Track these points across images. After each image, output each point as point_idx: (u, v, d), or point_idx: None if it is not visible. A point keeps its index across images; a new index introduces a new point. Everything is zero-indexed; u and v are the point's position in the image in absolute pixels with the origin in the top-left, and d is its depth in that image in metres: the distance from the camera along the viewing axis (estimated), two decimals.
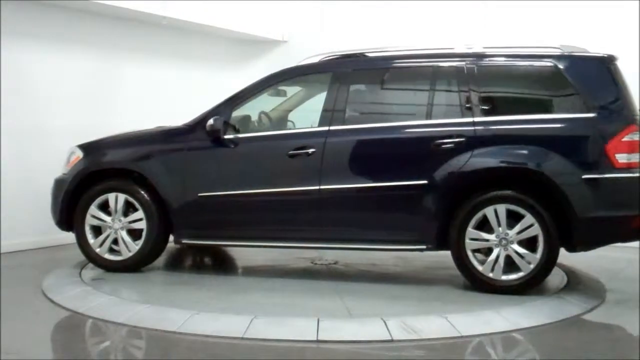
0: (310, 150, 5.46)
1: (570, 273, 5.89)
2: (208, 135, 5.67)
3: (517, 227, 5.10)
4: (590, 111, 5.10)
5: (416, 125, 5.45)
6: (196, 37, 9.23)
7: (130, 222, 5.87)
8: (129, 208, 5.91)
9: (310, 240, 5.59)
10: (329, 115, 5.56)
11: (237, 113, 5.87)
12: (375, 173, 5.43)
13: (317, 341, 4.23)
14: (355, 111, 5.71)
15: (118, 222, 5.89)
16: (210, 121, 5.64)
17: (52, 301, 5.16)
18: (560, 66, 5.23)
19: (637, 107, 5.20)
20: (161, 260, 6.52)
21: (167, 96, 8.70)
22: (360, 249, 5.75)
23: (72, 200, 6.04)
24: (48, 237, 7.50)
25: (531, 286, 5.14)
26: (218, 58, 9.63)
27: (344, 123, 5.54)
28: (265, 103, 6.26)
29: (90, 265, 6.22)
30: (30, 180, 7.39)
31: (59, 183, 6.20)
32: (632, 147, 5.00)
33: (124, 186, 5.90)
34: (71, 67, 7.79)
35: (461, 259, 5.24)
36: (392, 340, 4.23)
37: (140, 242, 5.85)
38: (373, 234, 5.49)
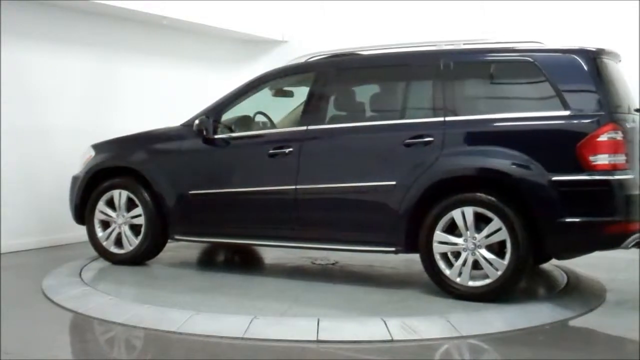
0: (287, 150, 5.51)
1: (570, 273, 5.88)
2: (196, 135, 5.88)
3: (485, 231, 4.86)
4: (565, 109, 4.80)
5: (387, 125, 5.40)
6: (196, 37, 9.24)
7: (131, 218, 6.15)
8: (131, 204, 6.17)
9: (290, 239, 5.64)
10: (308, 115, 5.63)
11: (232, 113, 6.01)
12: (347, 173, 5.37)
13: (317, 341, 4.23)
14: (333, 111, 5.69)
15: (121, 218, 6.19)
16: (196, 121, 5.88)
17: (52, 301, 5.16)
18: (538, 62, 4.97)
19: (626, 105, 4.99)
20: (161, 260, 6.53)
21: (167, 96, 8.71)
22: (333, 249, 5.70)
23: (85, 196, 6.36)
24: (48, 237, 7.51)
25: (499, 293, 4.86)
26: (218, 58, 9.64)
27: (321, 123, 5.56)
28: (265, 103, 6.29)
29: (90, 265, 6.25)
30: (30, 180, 7.40)
31: (74, 180, 6.52)
32: (608, 148, 4.65)
33: (126, 184, 6.17)
34: (71, 67, 7.79)
35: (428, 263, 5.06)
36: (392, 340, 4.23)
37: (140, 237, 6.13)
38: (346, 235, 5.43)
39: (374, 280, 5.91)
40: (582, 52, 4.93)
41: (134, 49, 8.53)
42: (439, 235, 5.00)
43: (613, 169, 4.65)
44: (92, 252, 6.86)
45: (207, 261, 6.80)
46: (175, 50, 9.02)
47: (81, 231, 7.81)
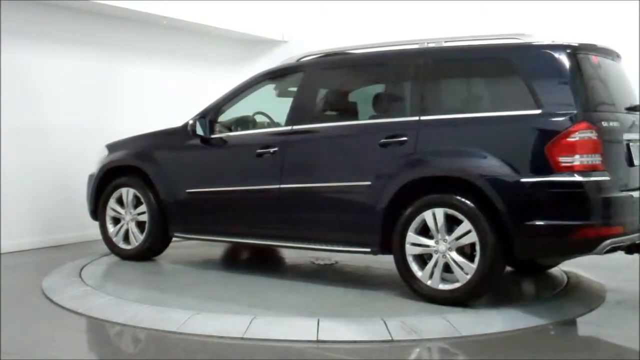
0: (272, 150, 5.56)
1: (570, 273, 5.88)
2: (193, 135, 5.99)
3: (455, 234, 4.73)
4: (538, 107, 4.60)
5: (365, 124, 5.39)
6: (196, 37, 9.23)
7: (137, 215, 6.38)
8: (138, 202, 6.40)
9: (276, 238, 5.70)
10: (293, 115, 5.65)
11: (232, 113, 6.09)
12: (326, 173, 5.38)
13: (317, 341, 4.23)
14: (317, 111, 5.70)
15: (129, 215, 6.43)
16: (190, 121, 6.01)
17: (52, 301, 5.16)
18: (513, 58, 4.80)
19: (618, 104, 4.84)
20: (163, 259, 6.55)
21: (167, 96, 8.71)
22: (314, 249, 5.67)
23: (99, 194, 6.63)
24: (48, 237, 7.52)
25: (469, 298, 4.73)
26: (218, 58, 9.63)
27: (305, 123, 5.57)
28: (268, 103, 6.30)
29: (90, 265, 6.25)
30: (30, 180, 7.40)
31: (90, 178, 6.75)
32: (580, 148, 4.44)
33: (132, 182, 6.38)
34: (71, 67, 7.80)
35: (401, 264, 4.96)
36: (392, 340, 4.23)
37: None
38: (326, 234, 5.41)
39: (374, 280, 5.91)
40: (559, 48, 4.71)
41: (134, 49, 8.53)
42: (411, 236, 4.90)
43: (585, 170, 4.44)
44: (92, 252, 6.90)
45: (208, 261, 6.79)
46: (175, 50, 9.02)
47: (81, 231, 7.87)
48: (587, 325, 4.74)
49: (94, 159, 7.82)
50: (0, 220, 7.03)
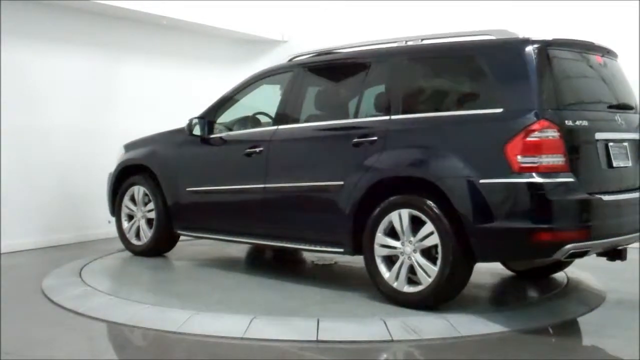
0: (258, 150, 5.63)
1: (570, 273, 5.88)
2: (189, 135, 6.14)
3: (418, 235, 4.64)
4: (500, 106, 4.45)
5: (340, 124, 5.35)
6: (196, 37, 9.24)
7: (147, 212, 6.57)
8: (149, 199, 6.59)
9: (262, 237, 5.75)
10: (279, 115, 5.73)
11: (232, 114, 6.19)
12: (305, 173, 5.39)
13: (317, 341, 4.22)
14: (299, 111, 5.71)
15: (140, 212, 6.63)
16: (187, 121, 6.14)
17: (52, 301, 5.16)
18: (480, 56, 4.67)
19: (600, 103, 4.69)
20: (165, 258, 6.55)
21: (167, 96, 8.71)
22: (292, 248, 5.73)
23: (116, 192, 6.87)
24: (48, 237, 7.52)
25: (433, 301, 4.62)
26: (218, 58, 9.63)
27: (288, 123, 5.62)
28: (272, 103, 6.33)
29: (90, 265, 6.25)
30: (30, 180, 7.40)
31: (109, 177, 6.96)
32: (539, 148, 4.26)
33: (141, 180, 6.60)
34: (71, 67, 7.79)
35: (369, 265, 4.89)
36: (392, 341, 4.23)
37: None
38: (305, 234, 5.42)
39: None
40: (524, 44, 4.51)
41: (134, 49, 8.53)
42: (379, 237, 4.82)
43: (546, 171, 4.25)
44: (92, 252, 6.91)
45: (212, 259, 6.79)
46: (175, 50, 9.02)
47: (81, 231, 7.87)
48: (587, 325, 4.73)
49: (93, 158, 7.85)
50: (0, 220, 7.03)
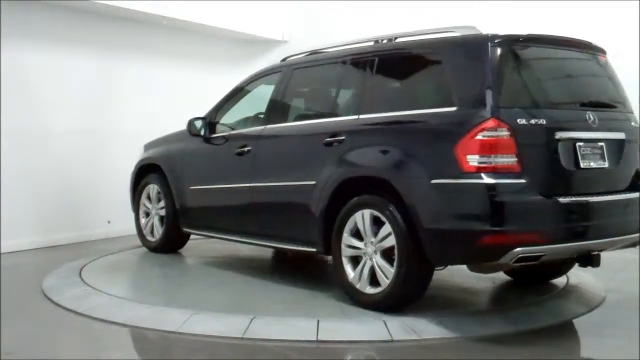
0: (247, 149, 5.70)
1: (570, 273, 5.88)
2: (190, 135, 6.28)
3: (378, 236, 4.56)
4: (455, 104, 4.32)
5: (315, 124, 5.36)
6: (196, 37, 9.24)
7: (159, 209, 6.76)
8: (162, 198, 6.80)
9: (250, 235, 5.80)
10: (266, 114, 5.78)
11: (235, 114, 6.24)
12: (284, 172, 5.42)
13: (317, 341, 4.22)
14: (283, 111, 5.74)
15: (154, 209, 6.82)
16: (187, 121, 6.23)
17: (52, 301, 5.16)
18: (441, 53, 4.56)
19: (546, 100, 4.49)
20: (164, 259, 6.56)
21: (167, 96, 8.71)
22: (271, 246, 5.76)
23: (135, 190, 7.11)
24: (48, 237, 7.52)
25: (392, 303, 4.53)
26: (218, 58, 9.63)
27: (273, 123, 5.66)
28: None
29: (90, 265, 6.25)
30: (30, 180, 7.40)
31: (131, 175, 7.16)
32: (485, 147, 4.11)
33: (154, 179, 6.80)
34: (71, 67, 7.79)
35: (337, 265, 4.85)
36: (392, 341, 4.23)
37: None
38: (284, 232, 5.46)
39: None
40: (481, 40, 4.39)
41: (134, 49, 8.53)
42: (346, 238, 4.77)
43: (493, 171, 4.09)
44: (92, 252, 6.91)
45: (215, 259, 6.79)
46: (175, 50, 9.02)
47: (81, 231, 7.87)
48: (587, 325, 4.73)
49: (93, 159, 7.85)
50: (0, 220, 7.02)
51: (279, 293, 5.27)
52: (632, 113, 4.97)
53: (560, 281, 5.63)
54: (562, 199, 4.23)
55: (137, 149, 8.37)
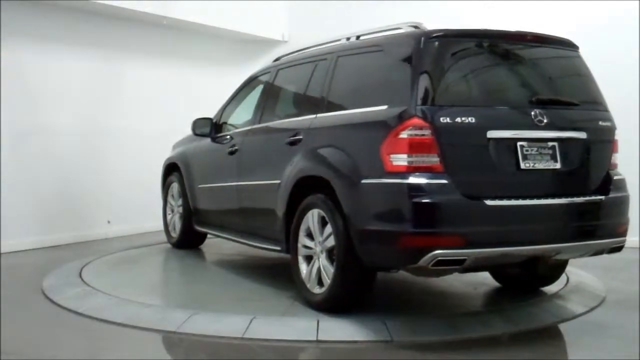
0: (235, 149, 5.85)
1: (570, 273, 5.88)
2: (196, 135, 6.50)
3: (323, 236, 4.53)
4: (387, 102, 4.22)
5: (281, 124, 5.41)
6: (196, 37, 9.24)
7: (179, 207, 7.04)
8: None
9: (239, 233, 5.89)
10: (253, 114, 5.89)
11: (239, 115, 6.33)
12: (258, 171, 5.53)
13: (317, 341, 4.22)
14: (267, 111, 5.78)
15: (175, 207, 7.13)
16: (192, 122, 6.39)
17: (52, 301, 5.16)
18: (384, 50, 4.47)
19: (483, 97, 4.31)
20: (162, 259, 6.55)
21: (167, 96, 8.72)
22: (245, 244, 5.81)
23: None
24: (48, 237, 7.51)
25: (333, 304, 4.49)
26: (218, 58, 9.64)
27: (257, 123, 5.75)
28: None
29: (90, 265, 6.26)
30: (30, 180, 7.40)
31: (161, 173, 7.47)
32: (408, 147, 4.00)
33: (176, 178, 7.06)
34: (71, 67, 7.80)
35: (293, 265, 4.83)
36: (392, 341, 4.23)
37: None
38: (257, 230, 5.55)
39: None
40: (412, 37, 4.29)
41: (134, 49, 8.53)
42: (301, 237, 4.74)
43: (415, 171, 3.99)
44: (92, 252, 6.91)
45: (217, 258, 6.80)
46: (175, 50, 9.03)
47: (81, 231, 7.87)
48: (587, 325, 4.73)
49: (93, 158, 7.85)
50: (0, 220, 7.02)
51: (280, 293, 5.27)
52: (603, 111, 4.63)
53: (560, 281, 5.62)
54: (489, 202, 4.03)
55: (137, 149, 8.38)
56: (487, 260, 4.24)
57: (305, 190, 4.74)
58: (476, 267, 4.34)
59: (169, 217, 7.28)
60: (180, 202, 6.99)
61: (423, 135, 4.00)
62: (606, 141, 4.60)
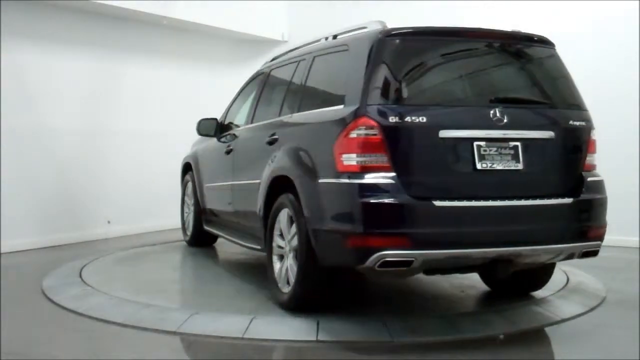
0: (230, 148, 5.99)
1: (570, 273, 5.88)
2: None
3: (290, 235, 4.53)
4: (344, 102, 4.21)
5: (264, 124, 5.40)
6: (196, 37, 9.24)
7: (192, 205, 7.19)
8: None
9: (233, 232, 5.97)
10: (247, 114, 5.97)
11: (243, 115, 6.34)
12: (244, 171, 5.60)
13: (317, 341, 4.22)
14: (258, 111, 5.81)
15: (190, 206, 7.29)
16: (197, 122, 6.51)
17: (52, 301, 5.16)
18: (349, 50, 4.43)
19: (438, 96, 4.25)
20: (163, 259, 6.55)
21: (167, 96, 8.71)
22: (234, 242, 5.88)
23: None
24: (48, 237, 7.52)
25: (297, 304, 4.49)
26: (218, 58, 9.64)
27: (250, 122, 5.83)
28: None
29: (90, 265, 6.26)
30: (30, 180, 7.40)
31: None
32: (354, 146, 3.98)
33: (191, 177, 7.22)
34: (71, 67, 7.80)
35: (268, 264, 4.84)
36: (392, 341, 4.23)
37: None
38: (244, 229, 5.68)
39: (376, 280, 5.90)
40: (366, 36, 4.29)
41: (134, 49, 8.53)
42: (275, 237, 4.75)
43: (362, 171, 3.95)
44: (92, 252, 6.91)
45: (212, 259, 6.80)
46: (175, 50, 9.03)
47: (81, 231, 7.87)
48: (587, 325, 4.73)
49: (93, 158, 7.85)
50: (0, 220, 7.03)
51: None
52: (577, 110, 4.44)
53: (560, 281, 5.62)
54: (438, 202, 3.94)
55: (137, 149, 8.38)
56: (439, 262, 4.14)
57: (281, 190, 4.70)
58: (430, 269, 4.26)
59: (185, 215, 7.44)
60: (193, 201, 7.13)
61: (371, 135, 3.96)
62: (579, 141, 4.41)
